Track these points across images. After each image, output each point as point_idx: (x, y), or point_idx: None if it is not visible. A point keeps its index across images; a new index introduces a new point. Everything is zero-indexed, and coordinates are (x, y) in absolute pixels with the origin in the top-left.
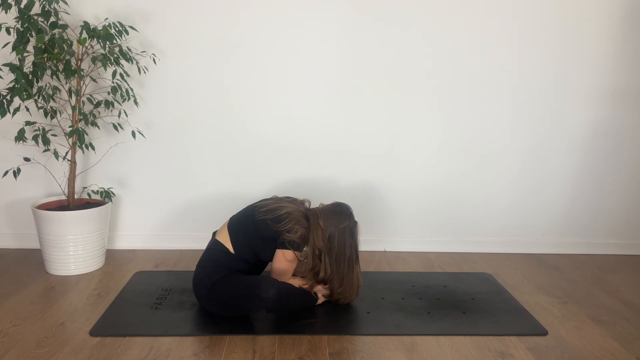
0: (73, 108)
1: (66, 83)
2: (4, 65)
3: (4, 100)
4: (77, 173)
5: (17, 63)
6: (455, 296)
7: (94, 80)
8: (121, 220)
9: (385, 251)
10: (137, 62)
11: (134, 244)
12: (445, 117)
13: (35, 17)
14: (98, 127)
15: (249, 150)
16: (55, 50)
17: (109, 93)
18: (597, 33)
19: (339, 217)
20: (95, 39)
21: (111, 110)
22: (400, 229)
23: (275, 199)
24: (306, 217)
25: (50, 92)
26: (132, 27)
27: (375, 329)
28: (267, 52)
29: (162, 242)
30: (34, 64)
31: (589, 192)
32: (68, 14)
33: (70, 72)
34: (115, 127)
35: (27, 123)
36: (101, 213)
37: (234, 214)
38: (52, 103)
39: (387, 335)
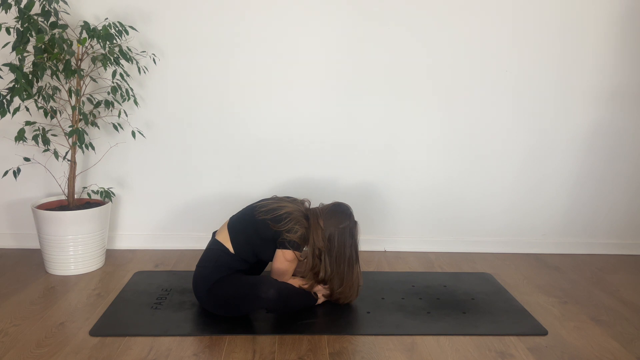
0: (73, 108)
1: (66, 83)
2: (4, 65)
3: (4, 100)
4: (77, 173)
5: (17, 63)
6: (455, 296)
7: (94, 80)
8: (121, 220)
9: (385, 251)
10: (137, 62)
11: (134, 244)
12: (445, 116)
13: (35, 17)
14: (98, 127)
15: (249, 150)
16: (55, 50)
17: (109, 93)
18: (597, 33)
19: (339, 217)
20: (95, 39)
21: (111, 110)
22: (400, 229)
23: (275, 199)
24: (306, 217)
25: (50, 92)
26: (132, 27)
27: (375, 329)
28: (267, 51)
29: (162, 242)
30: (34, 64)
31: (589, 192)
32: (68, 14)
33: (70, 72)
34: (115, 127)
35: (27, 123)
36: (101, 213)
37: (234, 213)
38: (52, 103)
39: (387, 335)
